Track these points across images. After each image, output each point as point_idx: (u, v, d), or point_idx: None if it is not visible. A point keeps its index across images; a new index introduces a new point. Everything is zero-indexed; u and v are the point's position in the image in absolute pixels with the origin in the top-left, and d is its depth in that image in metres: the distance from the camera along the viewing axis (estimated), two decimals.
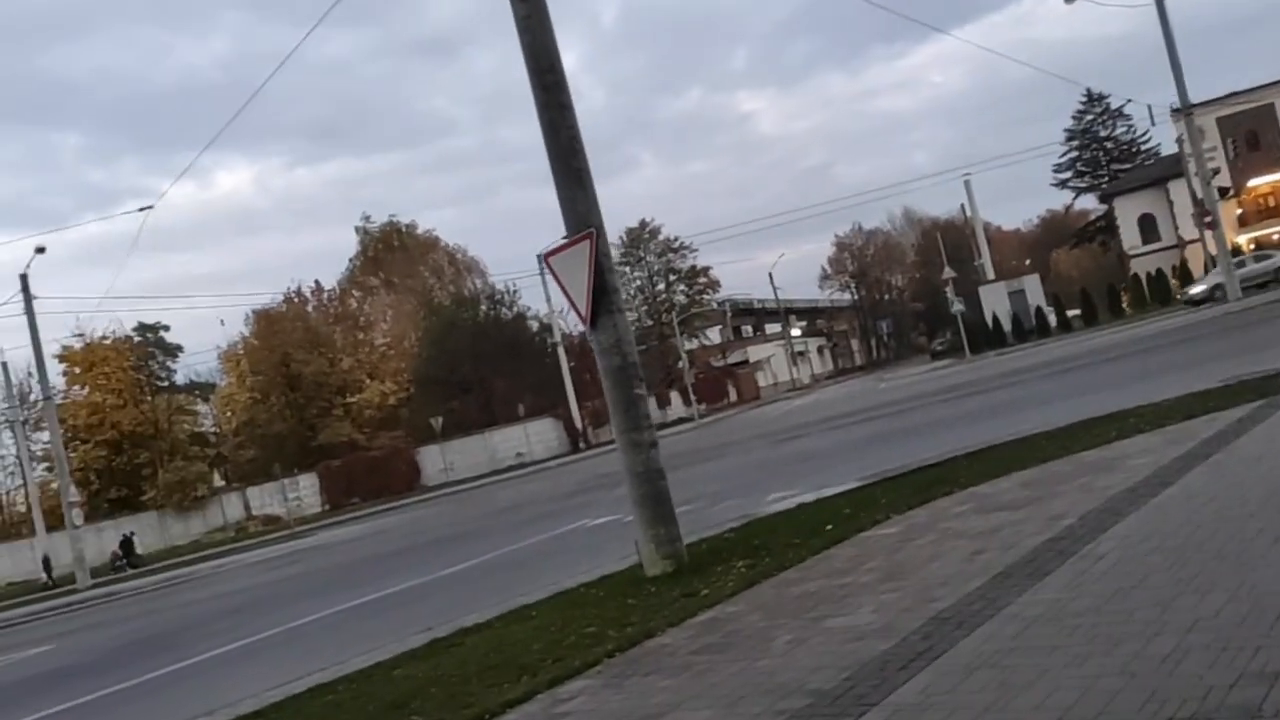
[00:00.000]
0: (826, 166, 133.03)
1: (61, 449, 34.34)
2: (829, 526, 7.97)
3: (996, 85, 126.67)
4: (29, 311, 30.67)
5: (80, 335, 47.94)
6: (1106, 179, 69.70)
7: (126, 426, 47.84)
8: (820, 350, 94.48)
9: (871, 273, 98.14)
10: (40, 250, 30.15)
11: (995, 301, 50.45)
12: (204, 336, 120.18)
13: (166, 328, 54.62)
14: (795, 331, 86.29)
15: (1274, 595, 4.02)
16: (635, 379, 8.08)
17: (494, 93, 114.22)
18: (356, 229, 66.18)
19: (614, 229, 68.27)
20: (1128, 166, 69.40)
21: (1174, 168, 52.28)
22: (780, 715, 3.96)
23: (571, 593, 7.97)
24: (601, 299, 7.98)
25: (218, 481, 51.47)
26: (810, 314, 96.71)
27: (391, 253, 63.54)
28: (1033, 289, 50.90)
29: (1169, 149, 57.87)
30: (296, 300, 55.05)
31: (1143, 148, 70.87)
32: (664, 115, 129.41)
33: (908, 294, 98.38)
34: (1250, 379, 10.59)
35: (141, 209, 27.29)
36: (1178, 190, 51.69)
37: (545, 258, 8.35)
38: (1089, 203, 75.77)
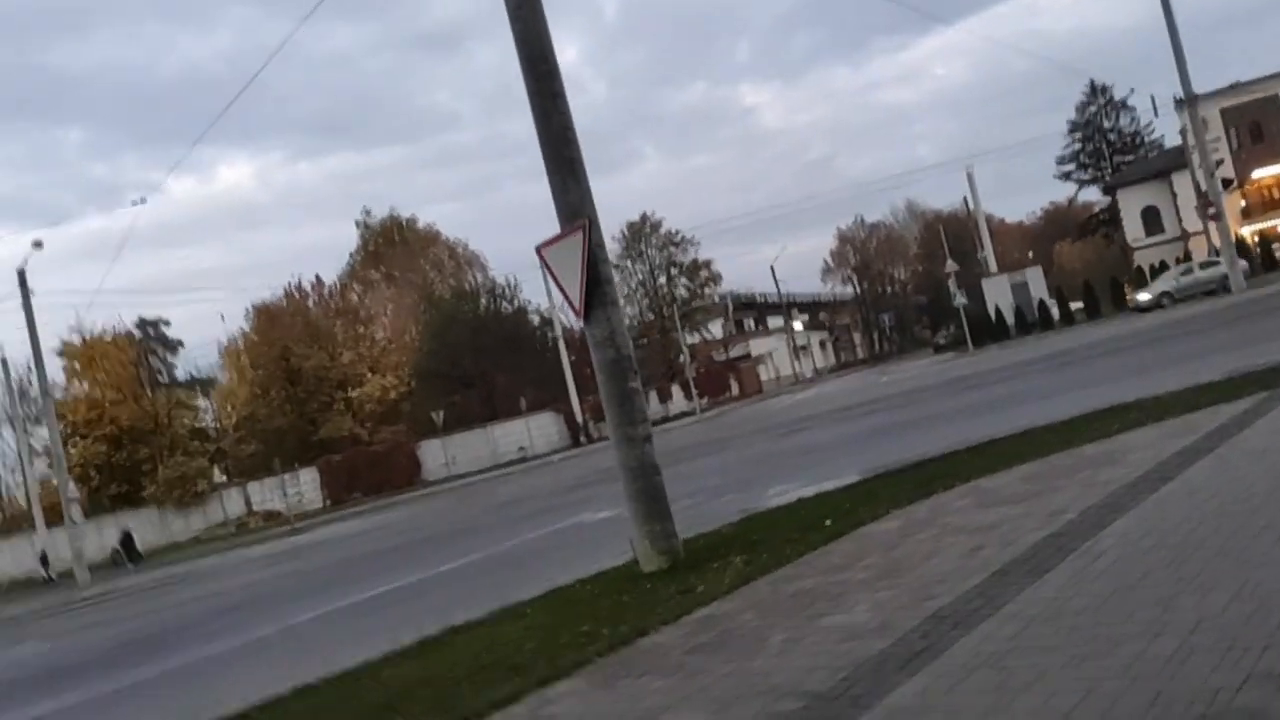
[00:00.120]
0: (829, 159, 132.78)
1: (60, 445, 34.29)
2: (828, 521, 7.87)
3: (1001, 77, 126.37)
4: (27, 307, 30.60)
5: (78, 331, 47.88)
6: (1110, 171, 69.42)
7: (126, 422, 47.75)
8: (822, 344, 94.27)
9: (874, 266, 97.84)
10: (38, 245, 30.10)
11: (998, 294, 50.25)
12: (205, 331, 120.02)
13: (167, 323, 54.69)
14: (797, 325, 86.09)
15: None
16: (630, 372, 7.97)
17: (496, 87, 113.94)
18: (357, 223, 66.19)
19: (616, 223, 68.14)
20: (1131, 158, 69.14)
21: (1178, 159, 52.05)
22: (774, 718, 3.86)
23: (566, 590, 7.88)
24: (595, 291, 7.88)
25: (218, 477, 51.39)
26: (812, 308, 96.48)
27: (392, 247, 63.45)
28: (1036, 281, 50.68)
29: (1173, 141, 57.71)
30: (297, 295, 55.01)
31: (1146, 139, 70.62)
32: (666, 109, 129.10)
33: (910, 287, 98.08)
34: (1253, 371, 10.48)
35: (134, 202, 27.21)
36: (1181, 182, 51.46)
37: (538, 250, 8.23)
38: (1092, 195, 75.66)
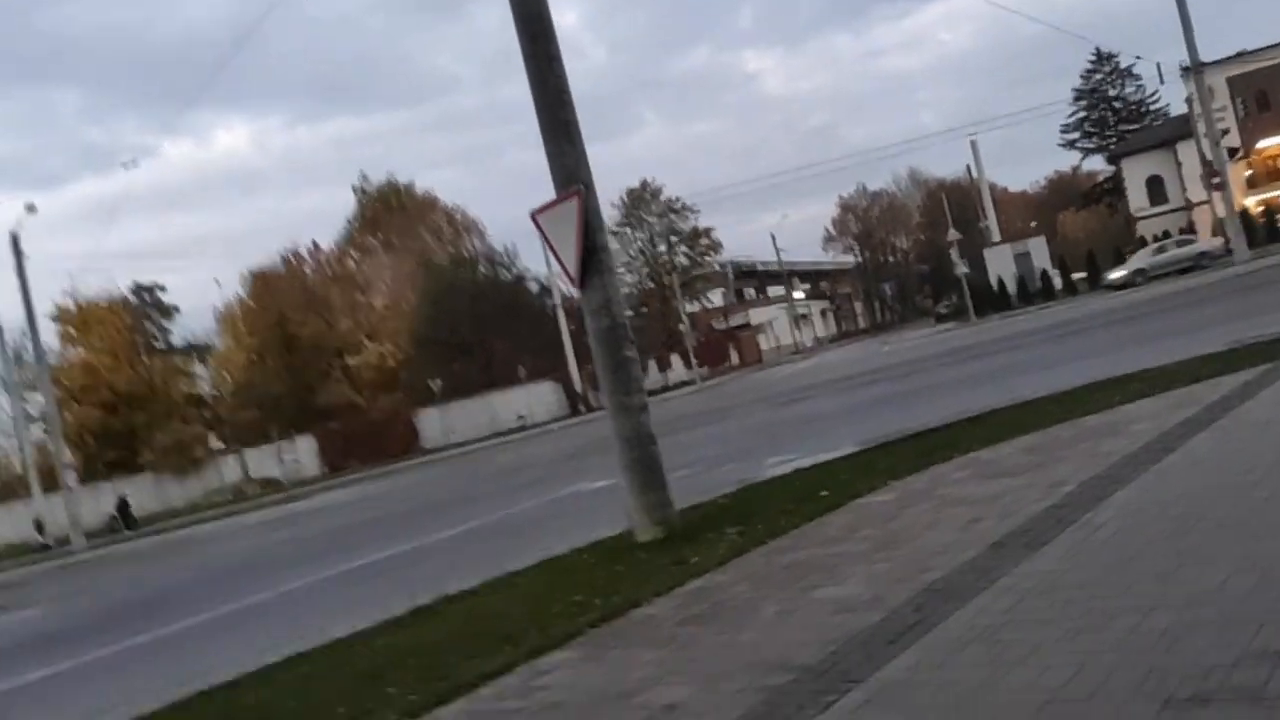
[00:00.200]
0: (832, 127, 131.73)
1: (55, 410, 34.27)
2: (824, 492, 7.80)
3: (1006, 43, 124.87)
4: (20, 271, 30.47)
5: (71, 296, 47.67)
6: (1114, 140, 68.90)
7: (122, 388, 47.72)
8: (823, 313, 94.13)
9: (876, 234, 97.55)
10: (31, 208, 29.94)
11: (1000, 264, 50.04)
12: (202, 297, 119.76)
13: (163, 288, 54.45)
14: (798, 294, 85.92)
15: None
16: (625, 341, 7.87)
17: (497, 51, 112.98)
18: (354, 189, 65.61)
19: (617, 189, 67.78)
20: (1136, 127, 68.56)
21: (1183, 128, 51.61)
22: (762, 692, 3.79)
23: (561, 559, 7.83)
24: (591, 258, 7.76)
25: (215, 444, 51.45)
26: (813, 276, 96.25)
27: (390, 213, 63.05)
28: (1038, 251, 50.44)
29: (1178, 109, 57.19)
30: (294, 261, 54.78)
31: (1151, 108, 70.07)
32: (668, 75, 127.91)
33: (912, 256, 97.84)
34: (1256, 343, 10.38)
35: (124, 165, 26.97)
36: (1186, 151, 51.05)
37: (533, 215, 8.11)
38: (1096, 164, 75.11)
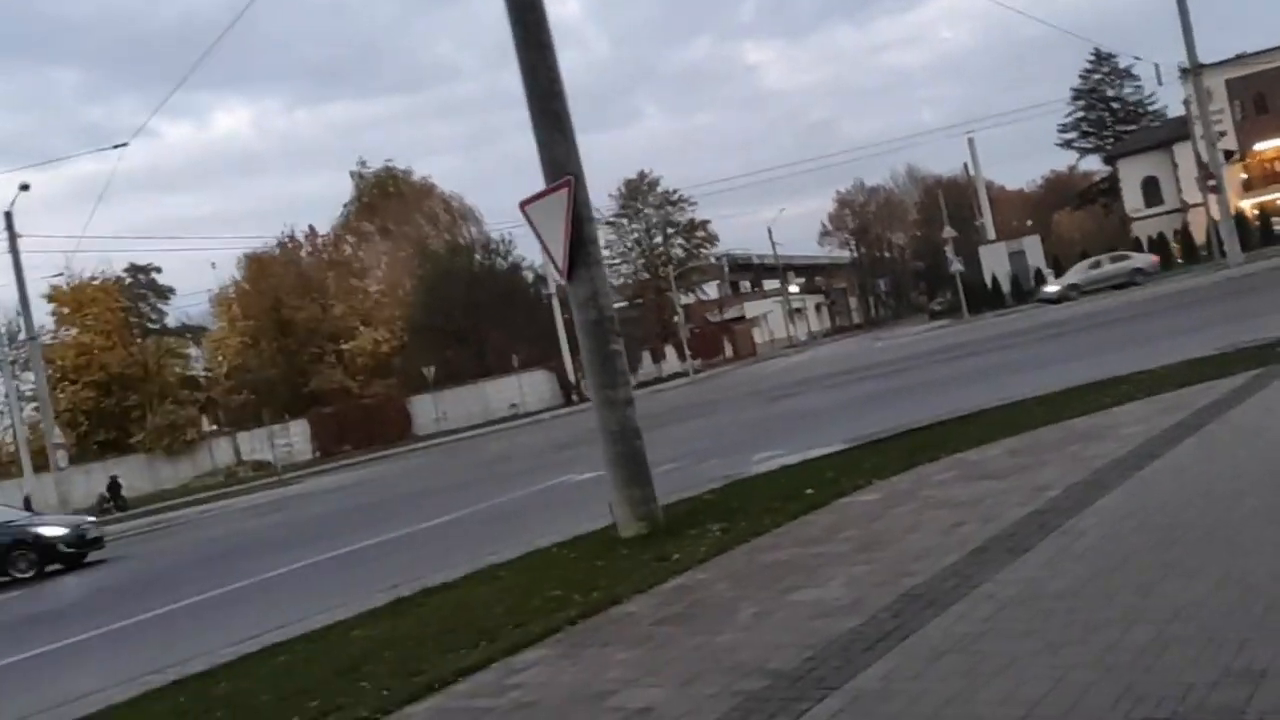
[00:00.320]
0: (830, 122, 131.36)
1: (46, 390, 34.09)
2: (809, 491, 7.77)
3: (1007, 42, 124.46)
4: (13, 250, 30.28)
5: (63, 275, 47.32)
6: (1111, 140, 68.86)
7: (115, 368, 47.48)
8: (818, 308, 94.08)
9: (872, 230, 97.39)
10: (24, 187, 29.68)
11: (995, 262, 49.99)
12: (197, 279, 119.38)
13: (158, 269, 54.27)
14: (793, 288, 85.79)
15: (1264, 583, 3.77)
16: (612, 334, 7.81)
17: (497, 40, 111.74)
18: (352, 174, 65.28)
19: (615, 180, 67.55)
20: (1133, 128, 68.51)
21: (1180, 130, 51.53)
22: (735, 697, 3.75)
23: (543, 553, 7.80)
24: (579, 251, 7.69)
25: (208, 426, 51.28)
26: (809, 271, 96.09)
27: (387, 199, 62.75)
28: (1033, 250, 50.39)
29: (1176, 111, 57.10)
30: (290, 245, 54.52)
31: (1149, 109, 69.98)
32: (669, 67, 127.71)
33: (908, 252, 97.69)
34: (1248, 347, 10.35)
35: (117, 146, 26.73)
36: (1183, 153, 50.96)
37: (522, 205, 8.03)
38: (1093, 164, 75.08)
